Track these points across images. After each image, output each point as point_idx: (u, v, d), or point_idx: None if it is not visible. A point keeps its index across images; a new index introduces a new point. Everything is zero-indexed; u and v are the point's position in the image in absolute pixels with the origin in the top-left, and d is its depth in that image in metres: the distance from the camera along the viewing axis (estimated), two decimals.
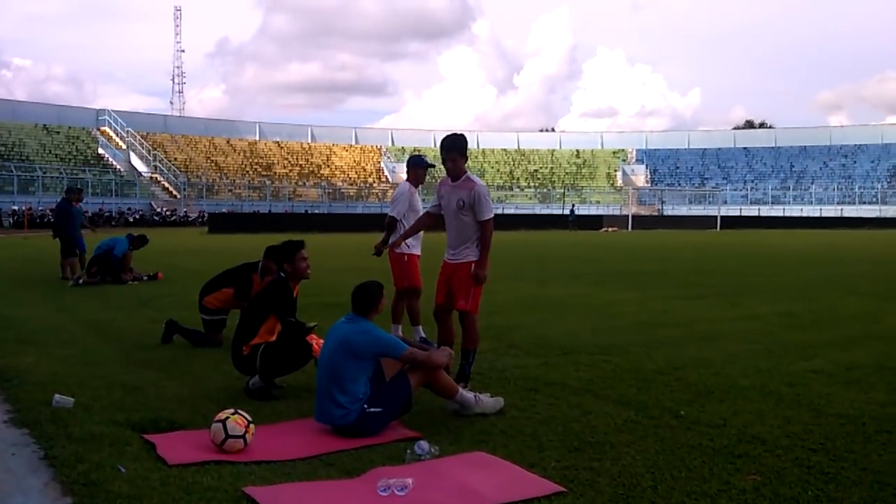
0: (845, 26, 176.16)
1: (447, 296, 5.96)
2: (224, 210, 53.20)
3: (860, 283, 14.40)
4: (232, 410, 4.37)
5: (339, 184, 72.30)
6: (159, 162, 65.14)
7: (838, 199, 72.44)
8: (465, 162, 5.92)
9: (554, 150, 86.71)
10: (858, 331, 8.59)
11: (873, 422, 4.87)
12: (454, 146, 5.83)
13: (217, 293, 7.67)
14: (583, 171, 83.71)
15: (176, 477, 3.82)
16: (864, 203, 70.79)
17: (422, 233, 7.66)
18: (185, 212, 54.66)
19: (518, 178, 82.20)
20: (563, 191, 73.27)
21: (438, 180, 6.19)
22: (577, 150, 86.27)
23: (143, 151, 65.77)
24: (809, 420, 4.92)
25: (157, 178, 63.41)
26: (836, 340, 7.91)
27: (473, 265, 5.79)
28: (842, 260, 21.18)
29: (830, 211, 68.09)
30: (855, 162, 78.98)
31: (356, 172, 76.98)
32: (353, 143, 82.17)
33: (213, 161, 70.45)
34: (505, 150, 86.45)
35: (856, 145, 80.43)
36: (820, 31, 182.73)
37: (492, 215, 5.83)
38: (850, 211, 67.72)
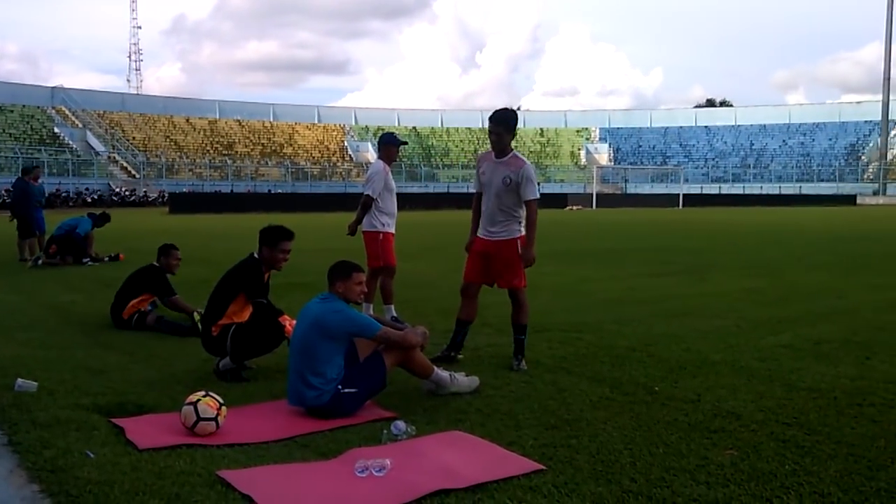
0: (800, 8, 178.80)
1: (482, 273, 5.91)
2: (185, 190, 52.47)
3: (822, 258, 14.65)
4: (203, 392, 4.27)
5: (303, 163, 71.60)
6: (117, 141, 63.89)
7: (797, 176, 73.66)
8: (512, 139, 5.80)
9: (518, 129, 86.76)
10: (824, 306, 8.72)
11: (844, 395, 4.92)
12: (502, 120, 5.72)
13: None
14: (547, 149, 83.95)
15: (147, 461, 3.72)
16: (822, 180, 72.05)
17: (396, 210, 7.59)
18: (145, 192, 53.73)
19: None
20: None
21: (479, 155, 6.09)
22: (541, 129, 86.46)
23: (101, 130, 64.46)
24: (782, 394, 4.97)
25: (114, 157, 62.18)
26: (803, 315, 8.02)
27: (522, 247, 5.76)
28: (803, 236, 21.53)
29: (789, 188, 69.22)
30: (813, 140, 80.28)
31: (319, 151, 76.28)
32: (316, 121, 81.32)
33: (172, 140, 69.28)
34: (469, 128, 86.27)
35: (814, 124, 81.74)
36: (775, 12, 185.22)
37: (538, 196, 5.77)
38: (809, 188, 68.89)
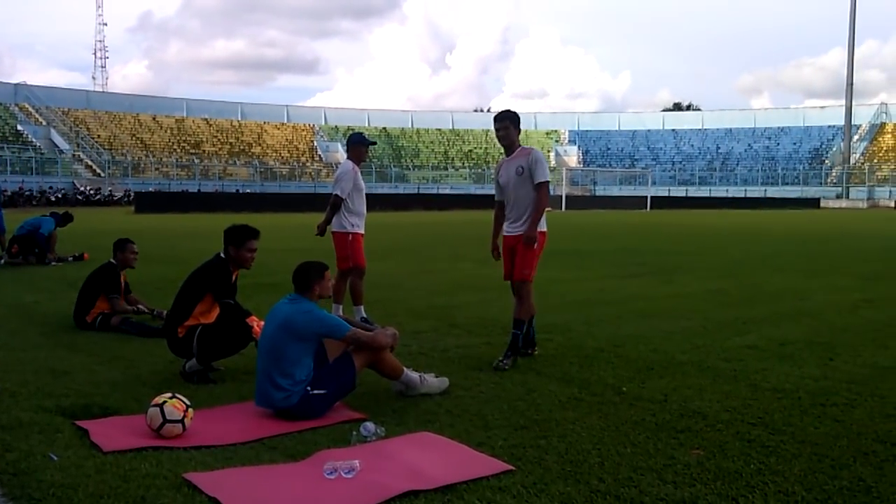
0: (764, 13, 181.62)
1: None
2: (151, 189, 51.78)
3: (785, 260, 14.87)
4: (169, 394, 4.22)
5: (272, 163, 71.05)
6: (82, 139, 62.89)
7: (762, 179, 74.70)
8: (518, 133, 6.03)
9: (488, 131, 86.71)
10: (787, 307, 8.85)
11: (808, 395, 5.00)
12: (507, 115, 6.02)
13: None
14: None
15: (112, 464, 3.67)
16: (787, 184, 73.17)
17: (365, 211, 7.56)
18: (110, 191, 52.94)
19: (453, 158, 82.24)
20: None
21: (495, 168, 6.36)
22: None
23: (65, 128, 63.39)
24: (747, 395, 5.03)
25: (79, 155, 61.18)
26: (767, 316, 8.13)
27: (526, 227, 5.87)
28: (767, 239, 21.83)
29: (755, 191, 70.18)
30: (778, 144, 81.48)
31: (288, 151, 75.76)
32: (285, 121, 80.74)
33: (138, 138, 68.36)
34: (439, 129, 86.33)
35: (779, 128, 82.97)
36: (741, 17, 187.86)
37: (548, 179, 5.95)
38: (774, 191, 69.93)
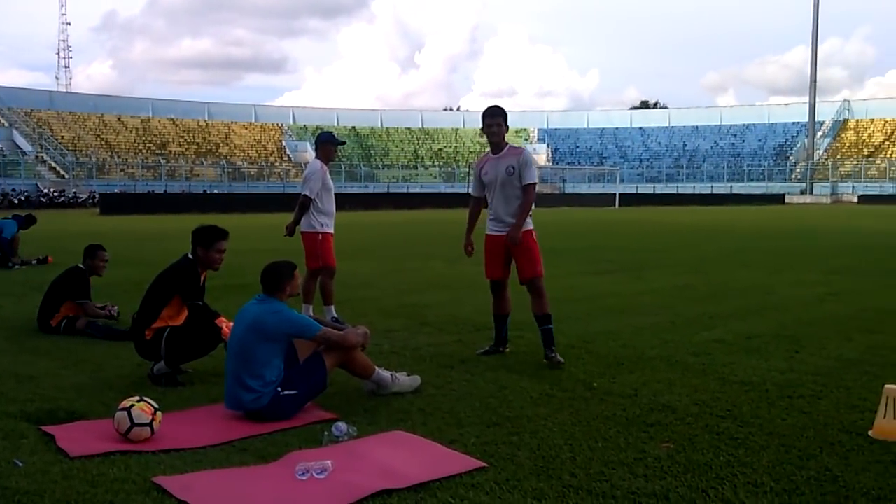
0: (729, 12, 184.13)
1: (504, 267, 6.05)
2: (116, 190, 51.08)
3: (751, 256, 15.06)
4: (137, 398, 4.16)
5: (239, 163, 70.45)
6: (45, 140, 61.84)
7: (728, 176, 75.64)
8: (506, 130, 6.03)
9: (458, 129, 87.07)
10: (754, 302, 8.97)
11: (775, 388, 5.08)
12: (497, 112, 6.00)
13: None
14: (486, 149, 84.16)
15: (79, 469, 3.61)
16: (752, 180, 74.20)
17: (335, 210, 7.53)
18: (75, 192, 52.12)
19: (422, 157, 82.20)
20: (467, 169, 73.72)
21: (476, 162, 6.29)
22: (481, 129, 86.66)
23: (28, 129, 62.28)
24: (716, 388, 5.09)
25: (42, 157, 60.15)
26: (734, 311, 8.23)
27: (510, 227, 5.88)
28: (733, 235, 22.12)
29: (721, 188, 71.01)
30: (743, 140, 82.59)
31: (257, 151, 75.18)
32: (253, 120, 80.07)
33: (103, 139, 67.41)
34: (409, 128, 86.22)
35: (744, 125, 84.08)
36: (706, 16, 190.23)
37: (535, 181, 5.98)
38: (739, 188, 70.84)
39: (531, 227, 6.00)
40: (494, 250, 6.04)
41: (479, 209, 6.32)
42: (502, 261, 6.04)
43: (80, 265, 7.47)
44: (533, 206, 5.98)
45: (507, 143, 6.06)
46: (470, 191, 6.24)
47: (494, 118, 5.95)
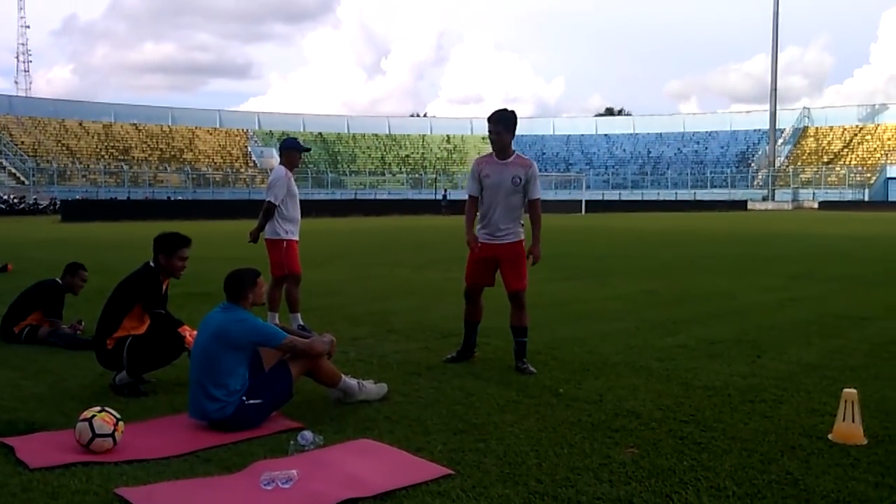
0: (691, 21, 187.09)
1: (485, 275, 5.99)
2: (78, 197, 50.28)
3: (714, 262, 15.28)
4: (98, 408, 4.10)
5: (204, 169, 69.77)
6: (4, 146, 60.72)
7: (692, 183, 76.66)
8: (512, 137, 5.90)
9: (425, 136, 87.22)
10: (716, 307, 9.10)
11: (737, 392, 5.15)
12: (501, 118, 5.82)
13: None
14: (453, 156, 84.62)
15: (39, 481, 3.55)
16: (715, 187, 75.25)
17: (299, 217, 7.48)
18: (35, 199, 51.21)
19: (390, 164, 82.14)
20: (434, 176, 73.83)
21: (476, 159, 6.13)
22: (448, 136, 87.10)
23: None
24: (679, 393, 5.15)
25: (1, 162, 59.03)
26: (697, 316, 8.34)
27: (532, 246, 5.87)
28: (697, 241, 22.41)
29: (685, 195, 71.93)
30: (706, 148, 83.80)
31: (221, 157, 74.54)
32: (218, 126, 79.42)
33: (63, 145, 66.37)
34: (376, 135, 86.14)
35: (707, 132, 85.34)
36: (668, 24, 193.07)
37: (541, 195, 5.97)
38: (703, 195, 71.78)
39: (521, 237, 5.96)
40: (483, 257, 5.93)
41: (476, 208, 6.07)
42: (488, 269, 5.96)
43: (58, 280, 7.29)
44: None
45: (514, 151, 5.93)
46: (467, 190, 6.11)
47: (496, 125, 5.82)
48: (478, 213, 6.04)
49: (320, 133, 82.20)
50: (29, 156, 61.23)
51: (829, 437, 4.20)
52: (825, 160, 76.41)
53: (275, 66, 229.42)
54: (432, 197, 57.06)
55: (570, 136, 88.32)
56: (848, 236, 24.22)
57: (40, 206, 49.07)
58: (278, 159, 7.62)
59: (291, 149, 7.47)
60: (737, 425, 4.45)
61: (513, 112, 5.94)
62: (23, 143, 63.32)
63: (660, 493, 3.47)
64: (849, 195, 68.62)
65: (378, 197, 63.60)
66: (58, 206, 43.95)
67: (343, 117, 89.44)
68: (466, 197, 6.16)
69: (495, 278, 6.05)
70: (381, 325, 7.70)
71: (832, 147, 78.20)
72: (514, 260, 5.87)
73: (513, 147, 5.97)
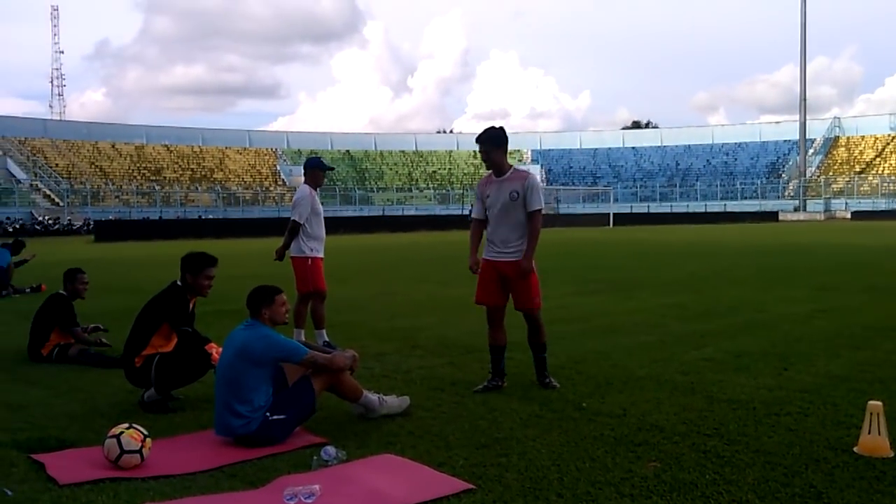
0: (717, 33, 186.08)
1: (495, 294, 5.79)
2: (111, 217, 51.09)
3: (743, 274, 15.13)
4: (126, 425, 4.18)
5: (234, 188, 70.55)
6: (39, 168, 61.95)
7: (721, 194, 75.93)
8: (503, 154, 5.72)
9: (451, 152, 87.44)
10: (744, 320, 9.01)
11: (762, 406, 5.11)
12: (485, 138, 5.67)
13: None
14: (480, 171, 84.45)
15: (68, 497, 3.63)
16: (746, 198, 74.47)
17: (324, 234, 7.57)
18: (69, 220, 52.11)
19: (417, 180, 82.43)
20: (461, 191, 73.94)
21: (479, 182, 5.96)
22: (474, 152, 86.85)
23: (22, 157, 62.42)
24: (703, 406, 5.12)
25: (37, 185, 60.20)
26: (724, 329, 8.27)
27: (523, 258, 5.66)
28: (725, 253, 22.19)
29: (714, 206, 71.23)
30: (736, 159, 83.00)
31: (251, 176, 75.33)
32: (247, 146, 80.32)
33: (97, 167, 67.51)
34: (403, 151, 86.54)
35: (736, 143, 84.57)
36: (694, 37, 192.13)
37: (542, 207, 5.72)
38: (733, 206, 71.04)
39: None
40: (491, 276, 5.76)
41: (480, 231, 5.94)
42: (498, 287, 5.76)
43: (62, 291, 7.46)
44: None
45: (510, 167, 5.76)
46: (472, 213, 5.96)
47: (483, 144, 5.68)
48: (485, 236, 5.89)
49: (348, 151, 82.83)
50: (63, 178, 62.37)
51: (855, 449, 4.16)
52: (857, 170, 75.35)
53: (303, 85, 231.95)
54: (459, 212, 57.20)
55: (597, 149, 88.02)
56: (880, 247, 23.84)
57: (74, 227, 49.92)
58: (303, 178, 7.73)
59: (315, 168, 7.60)
60: (761, 438, 4.42)
61: (500, 129, 5.76)
62: (57, 165, 64.54)
63: None
64: (882, 205, 67.47)
65: (405, 213, 63.87)
66: (91, 226, 44.69)
67: (370, 135, 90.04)
68: None
69: (508, 297, 5.84)
70: (406, 341, 7.75)
71: (864, 156, 77.11)
72: (524, 280, 5.69)
73: (510, 163, 5.79)
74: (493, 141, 5.68)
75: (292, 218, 7.38)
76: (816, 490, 3.63)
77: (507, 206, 5.66)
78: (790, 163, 79.16)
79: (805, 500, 3.53)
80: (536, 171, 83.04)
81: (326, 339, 7.36)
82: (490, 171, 5.83)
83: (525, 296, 5.75)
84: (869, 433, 4.13)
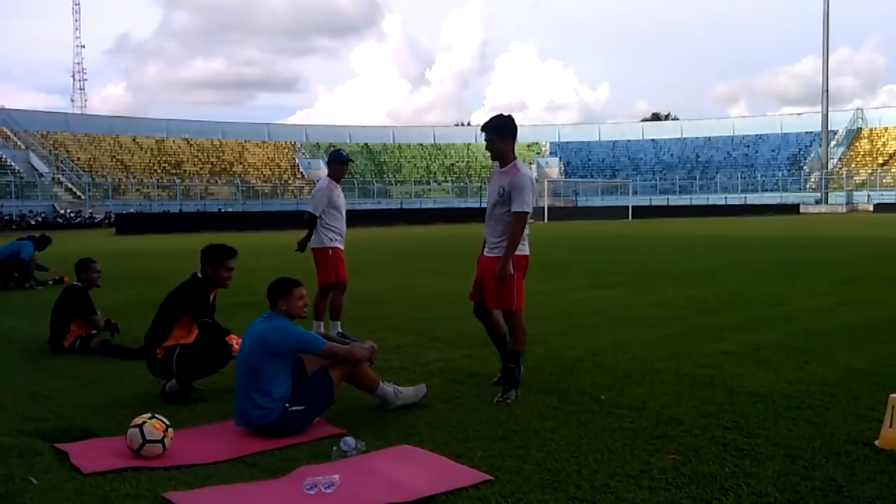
0: (737, 24, 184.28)
1: (481, 293, 5.52)
2: (132, 210, 51.52)
3: (763, 267, 15.02)
4: (149, 415, 4.23)
5: (253, 181, 70.87)
6: (61, 162, 62.53)
7: (742, 187, 75.30)
8: (508, 144, 5.34)
9: (470, 144, 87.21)
10: (764, 313, 8.96)
11: (783, 399, 5.08)
12: (492, 127, 5.31)
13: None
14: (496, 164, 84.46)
15: (91, 486, 3.68)
16: (766, 190, 73.80)
17: (344, 227, 7.62)
18: (91, 213, 52.59)
19: (435, 173, 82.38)
20: (480, 184, 73.81)
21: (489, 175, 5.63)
22: None
23: (44, 151, 63.05)
24: (723, 399, 5.10)
25: (59, 178, 60.78)
26: (744, 322, 8.22)
27: (499, 262, 5.23)
28: (746, 246, 22.04)
29: (735, 199, 70.72)
30: (756, 151, 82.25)
31: (270, 169, 75.62)
32: (266, 139, 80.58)
33: (118, 160, 68.05)
34: (421, 144, 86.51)
35: (757, 135, 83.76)
36: (714, 28, 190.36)
37: (526, 209, 5.21)
38: (754, 198, 70.48)
39: (526, 251, 5.41)
40: (477, 273, 5.57)
41: None
42: (480, 286, 5.55)
43: (76, 283, 7.55)
44: (527, 231, 5.37)
45: (514, 159, 5.35)
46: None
47: (487, 133, 5.33)
48: None
49: (366, 144, 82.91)
50: (85, 171, 62.94)
51: (876, 443, 4.13)
52: (880, 161, 74.44)
53: (321, 79, 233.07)
54: (477, 205, 57.12)
55: (616, 141, 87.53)
56: None
57: (96, 220, 50.38)
58: (326, 171, 7.79)
59: (335, 161, 7.65)
60: (781, 432, 4.40)
61: (507, 117, 5.37)
62: (79, 158, 65.13)
63: (700, 499, 3.46)
64: None
65: (424, 206, 63.85)
66: (112, 219, 45.11)
67: (388, 128, 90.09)
68: None
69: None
70: (424, 334, 7.77)
71: (887, 148, 76.12)
72: (493, 281, 5.28)
73: (515, 154, 5.42)
74: (496, 129, 5.33)
75: (308, 210, 7.47)
76: (837, 483, 3.61)
77: (494, 202, 5.36)
78: (812, 155, 78.35)
79: (825, 493, 3.51)
80: (555, 164, 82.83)
81: (340, 329, 7.39)
82: (497, 162, 5.51)
83: (490, 292, 5.36)
84: (890, 427, 4.10)
